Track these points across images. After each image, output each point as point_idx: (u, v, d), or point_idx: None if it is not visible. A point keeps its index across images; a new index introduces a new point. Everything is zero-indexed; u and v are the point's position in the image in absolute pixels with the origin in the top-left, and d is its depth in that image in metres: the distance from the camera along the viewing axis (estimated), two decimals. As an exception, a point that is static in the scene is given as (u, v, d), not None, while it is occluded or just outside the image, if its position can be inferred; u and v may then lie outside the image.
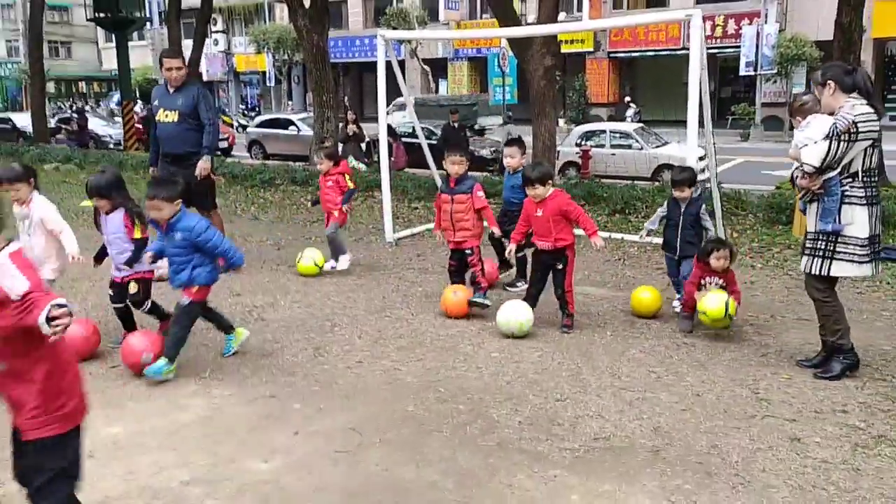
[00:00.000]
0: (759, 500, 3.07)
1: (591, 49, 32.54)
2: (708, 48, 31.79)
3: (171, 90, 6.82)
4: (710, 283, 5.20)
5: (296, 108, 41.21)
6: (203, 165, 6.80)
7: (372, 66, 39.70)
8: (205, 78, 42.67)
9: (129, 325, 4.95)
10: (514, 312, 5.15)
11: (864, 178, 4.23)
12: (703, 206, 5.68)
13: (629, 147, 17.87)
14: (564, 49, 30.97)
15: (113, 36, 26.37)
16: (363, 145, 16.82)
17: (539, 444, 3.57)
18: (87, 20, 26.93)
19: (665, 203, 5.79)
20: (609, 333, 5.28)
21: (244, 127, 34.89)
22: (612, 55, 32.71)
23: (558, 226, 5.25)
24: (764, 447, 3.52)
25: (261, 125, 25.68)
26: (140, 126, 23.57)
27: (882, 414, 3.90)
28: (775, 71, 28.19)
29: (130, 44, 24.30)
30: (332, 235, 7.11)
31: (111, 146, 24.23)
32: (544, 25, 11.78)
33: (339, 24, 40.34)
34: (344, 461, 3.44)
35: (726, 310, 5.00)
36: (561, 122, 29.55)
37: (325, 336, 5.19)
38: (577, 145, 18.28)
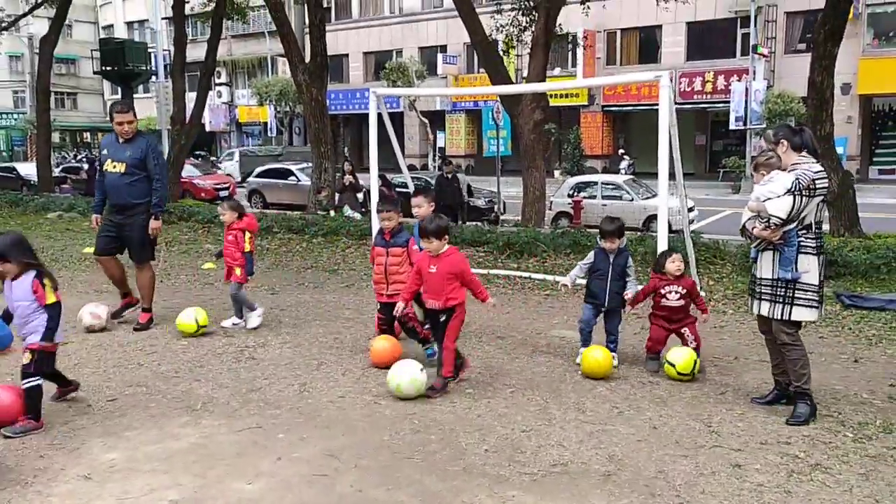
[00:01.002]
0: (695, 517, 3.38)
1: (586, 103, 33.41)
2: (699, 103, 32.85)
3: (121, 141, 6.80)
4: (671, 293, 5.52)
5: (295, 158, 41.92)
6: (154, 225, 6.82)
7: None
8: (208, 129, 43.66)
9: (59, 381, 4.82)
10: (401, 371, 4.92)
11: (815, 230, 4.61)
12: (629, 257, 5.75)
13: (620, 198, 18.37)
14: (560, 102, 31.83)
15: (119, 88, 27.19)
16: (360, 195, 17.29)
17: (501, 469, 3.89)
18: (94, 73, 27.81)
19: (591, 254, 5.79)
20: (579, 374, 5.60)
21: (246, 177, 35.58)
22: (605, 109, 33.57)
23: (450, 285, 5.04)
24: (707, 473, 3.84)
25: (261, 175, 26.27)
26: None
27: (823, 445, 4.21)
28: (764, 126, 28.91)
29: (135, 96, 25.04)
30: (234, 294, 6.89)
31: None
32: (528, 85, 12.40)
33: (340, 78, 41.40)
34: (321, 483, 3.75)
35: (693, 366, 5.31)
36: (556, 173, 30.20)
37: (311, 373, 5.52)
38: (570, 196, 18.78)
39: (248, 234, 6.84)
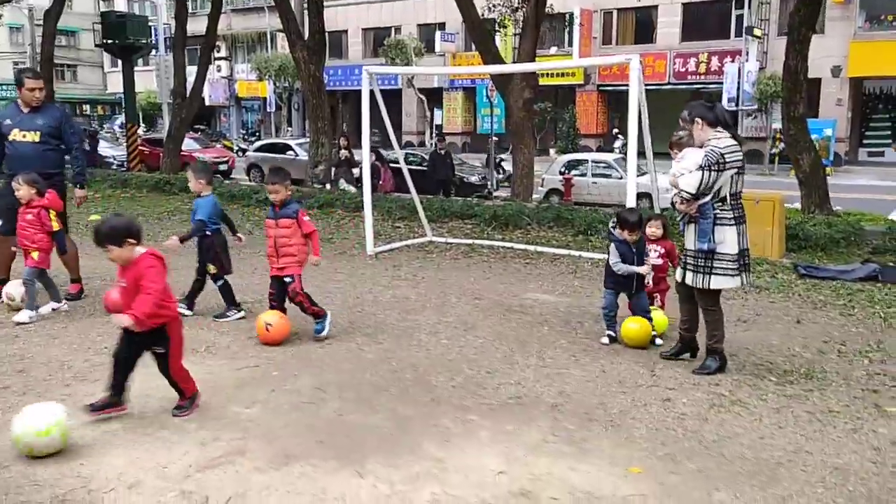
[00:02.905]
0: (622, 435, 4.01)
1: (581, 82, 33.81)
2: (692, 83, 33.12)
3: (27, 110, 6.60)
4: (652, 251, 5.98)
5: (295, 133, 42.35)
6: (80, 194, 6.87)
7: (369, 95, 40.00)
8: (207, 103, 43.95)
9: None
10: (34, 420, 3.65)
11: (732, 202, 4.99)
12: (643, 237, 5.87)
13: (609, 176, 18.91)
14: (556, 81, 32.23)
15: (119, 61, 27.57)
16: (355, 170, 17.83)
17: (465, 401, 4.51)
18: (95, 45, 28.15)
19: (613, 247, 5.73)
20: (546, 329, 6.21)
21: (244, 151, 36.06)
22: (601, 88, 33.97)
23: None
24: (640, 405, 4.46)
25: (259, 149, 26.77)
26: (144, 148, 24.77)
27: (747, 387, 4.83)
28: (756, 107, 29.43)
29: (136, 69, 25.43)
30: (27, 281, 6.13)
31: (114, 166, 25.26)
32: (509, 65, 12.90)
33: (339, 54, 41.67)
34: (308, 409, 4.37)
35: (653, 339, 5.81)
36: (552, 151, 30.68)
37: (302, 325, 6.12)
38: (561, 174, 19.32)
39: (52, 212, 6.21)
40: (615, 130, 32.92)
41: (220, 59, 47.66)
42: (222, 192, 14.66)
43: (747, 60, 28.81)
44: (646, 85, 32.12)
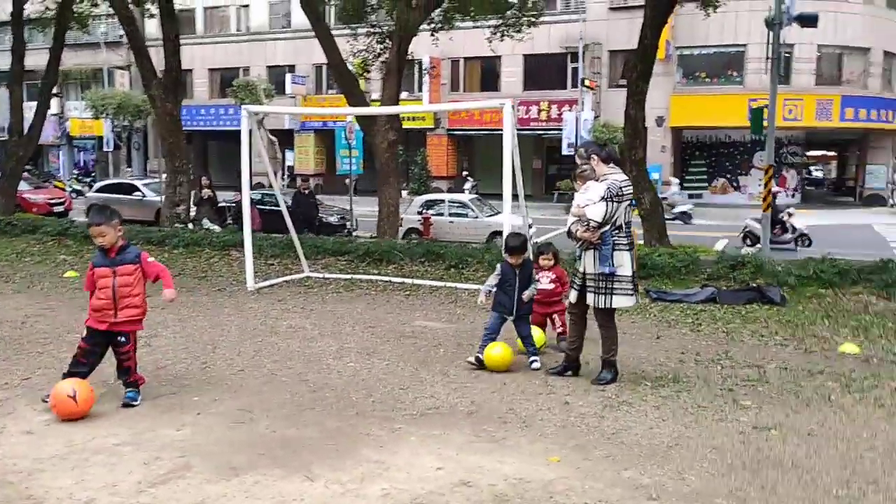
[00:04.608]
0: (536, 433, 4.53)
1: (432, 126, 35.07)
2: (535, 130, 35.13)
3: None
4: (543, 278, 6.59)
5: (135, 173, 40.68)
6: None
7: (217, 135, 40.44)
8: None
9: None
10: None
11: (626, 230, 5.68)
12: (532, 264, 6.34)
13: (466, 216, 19.81)
14: (407, 125, 33.13)
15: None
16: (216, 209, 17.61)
17: (387, 413, 4.86)
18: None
19: (498, 268, 6.17)
20: (442, 351, 6.66)
21: (78, 192, 34.22)
22: (450, 132, 35.40)
23: None
24: (545, 409, 5.01)
25: (102, 190, 25.62)
26: None
27: (629, 391, 5.50)
28: (592, 152, 31.72)
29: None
30: None
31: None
32: (389, 107, 13.51)
33: (184, 94, 40.64)
34: (240, 428, 4.55)
35: (541, 345, 6.43)
36: (404, 193, 31.49)
37: (208, 355, 6.23)
38: (419, 213, 20.02)
39: None
40: (465, 172, 34.36)
41: (55, 94, 45.12)
42: (76, 233, 14.12)
43: (583, 109, 31.14)
44: (492, 130, 34.12)
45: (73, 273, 10.57)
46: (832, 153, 48.38)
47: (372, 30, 16.97)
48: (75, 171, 46.86)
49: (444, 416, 4.84)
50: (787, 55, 27.72)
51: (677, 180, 30.15)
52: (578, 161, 5.96)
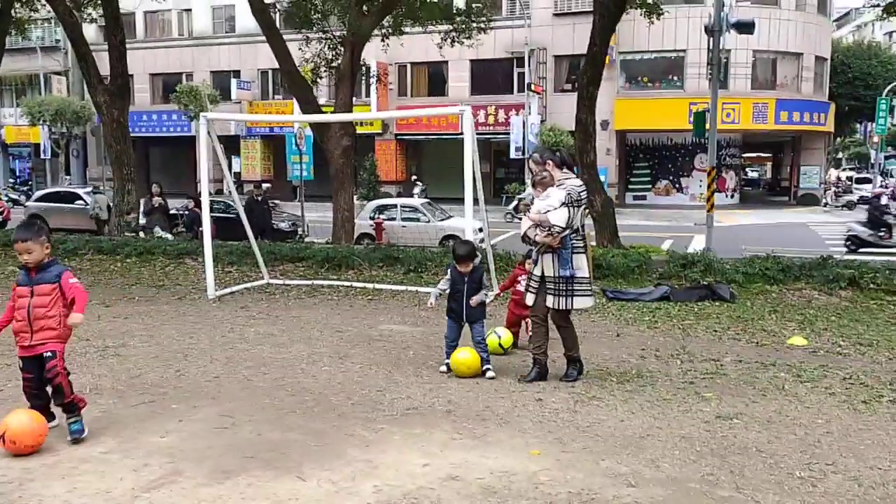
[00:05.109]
0: (514, 428, 4.70)
1: (380, 131, 35.18)
2: (483, 134, 35.64)
3: None
4: (523, 279, 6.62)
5: (73, 182, 39.72)
6: None
7: (159, 141, 39.78)
8: (-30, 149, 40.03)
9: None
10: None
11: (581, 233, 5.85)
12: (483, 271, 6.29)
13: (418, 220, 19.95)
14: (357, 130, 33.24)
15: None
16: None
17: (368, 414, 4.98)
18: None
19: (448, 272, 6.19)
20: (412, 353, 6.80)
21: (14, 202, 33.24)
22: (399, 137, 35.56)
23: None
24: (519, 405, 5.20)
25: (42, 199, 24.99)
26: None
27: (596, 387, 5.73)
28: (539, 156, 32.24)
29: None
30: None
31: None
32: (346, 114, 13.64)
33: (130, 100, 39.84)
34: (224, 433, 4.61)
35: (510, 345, 6.67)
36: (354, 198, 31.48)
37: (181, 363, 6.24)
38: (371, 218, 20.09)
39: None
40: (414, 177, 34.51)
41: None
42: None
43: (530, 113, 31.64)
44: (440, 135, 34.36)
45: None
46: (767, 155, 50.15)
47: (323, 36, 17.00)
48: (10, 180, 45.49)
49: (423, 415, 4.98)
50: (724, 60, 28.70)
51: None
52: (534, 167, 6.01)
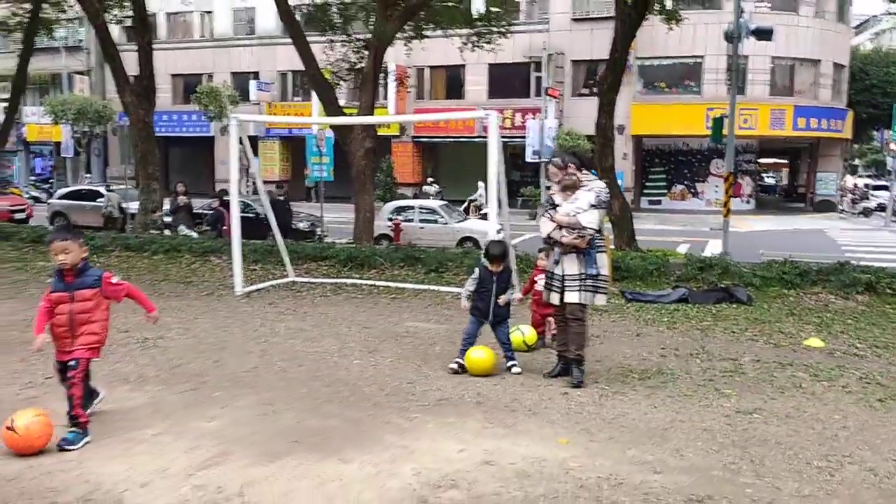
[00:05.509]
0: (543, 419, 4.93)
1: (397, 134, 35.44)
2: (500, 137, 35.45)
3: None
4: (539, 279, 6.80)
5: (94, 180, 40.22)
6: None
7: (179, 141, 40.13)
8: (-8, 146, 40.62)
9: None
10: None
11: (601, 234, 6.10)
12: (511, 272, 6.41)
13: (435, 222, 20.18)
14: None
15: None
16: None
17: (402, 404, 5.22)
18: None
19: (476, 272, 6.27)
20: (438, 349, 7.03)
21: (36, 199, 33.77)
22: (415, 140, 35.81)
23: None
24: (546, 399, 5.41)
25: (65, 197, 25.45)
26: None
27: (619, 383, 5.94)
28: (556, 159, 32.42)
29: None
30: None
31: None
32: (373, 117, 13.88)
33: (155, 100, 40.37)
34: (267, 419, 4.86)
35: (534, 343, 6.84)
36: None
37: (218, 354, 6.50)
38: (389, 219, 20.35)
39: None
40: (430, 179, 34.75)
41: (3, 100, 44.40)
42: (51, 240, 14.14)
43: (547, 118, 31.81)
44: (456, 138, 34.55)
45: None
46: (784, 161, 50.02)
47: (347, 39, 17.29)
48: (32, 178, 46.11)
49: (455, 406, 5.21)
50: (742, 66, 28.79)
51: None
52: (554, 171, 6.10)
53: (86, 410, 4.53)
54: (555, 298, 6.06)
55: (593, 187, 5.97)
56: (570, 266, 5.92)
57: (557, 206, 6.01)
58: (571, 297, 5.93)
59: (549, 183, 6.37)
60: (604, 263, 5.99)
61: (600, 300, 6.07)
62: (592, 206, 5.82)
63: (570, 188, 6.01)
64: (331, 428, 4.70)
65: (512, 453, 4.30)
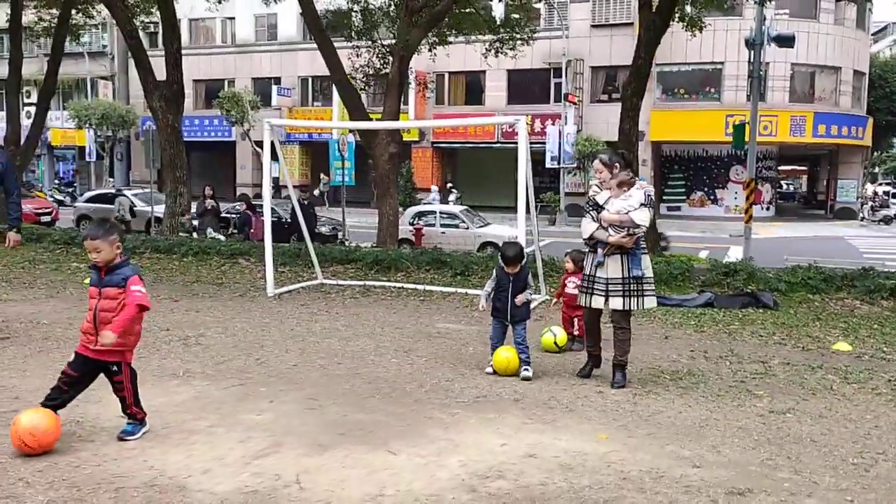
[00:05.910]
0: (580, 416, 5.07)
1: (417, 139, 35.66)
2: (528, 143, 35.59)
3: None
4: (570, 283, 7.01)
5: (117, 184, 40.73)
6: (15, 238, 7.17)
7: (200, 146, 40.55)
8: (19, 151, 41.19)
9: None
10: None
11: (645, 234, 6.28)
12: (528, 272, 6.29)
13: (457, 227, 20.37)
14: (393, 138, 33.83)
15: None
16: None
17: (442, 400, 5.38)
18: None
19: (494, 274, 6.28)
20: (471, 349, 7.18)
21: (59, 202, 34.27)
22: (435, 145, 36.04)
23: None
24: (581, 396, 5.56)
25: (91, 200, 25.87)
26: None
27: (651, 383, 6.06)
28: (575, 165, 32.58)
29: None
30: None
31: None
32: (399, 122, 14.05)
33: (183, 105, 40.88)
34: (313, 413, 5.03)
35: (565, 344, 7.00)
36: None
37: (260, 352, 6.69)
38: (411, 224, 20.55)
39: None
40: (449, 185, 34.97)
41: (29, 104, 45.03)
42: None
43: (566, 123, 31.97)
44: (476, 143, 34.70)
45: None
46: (803, 168, 49.85)
47: (372, 46, 17.52)
48: (56, 182, 46.74)
49: (493, 402, 5.36)
50: (763, 73, 28.79)
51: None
52: (601, 167, 6.05)
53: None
54: (598, 302, 5.91)
55: (645, 186, 5.95)
56: (615, 269, 5.82)
57: (600, 205, 5.92)
58: (616, 303, 5.85)
59: (592, 182, 6.25)
60: (648, 264, 5.95)
61: (650, 303, 5.96)
62: (642, 204, 5.74)
63: (626, 184, 5.83)
64: (376, 422, 4.86)
65: (553, 447, 4.44)
